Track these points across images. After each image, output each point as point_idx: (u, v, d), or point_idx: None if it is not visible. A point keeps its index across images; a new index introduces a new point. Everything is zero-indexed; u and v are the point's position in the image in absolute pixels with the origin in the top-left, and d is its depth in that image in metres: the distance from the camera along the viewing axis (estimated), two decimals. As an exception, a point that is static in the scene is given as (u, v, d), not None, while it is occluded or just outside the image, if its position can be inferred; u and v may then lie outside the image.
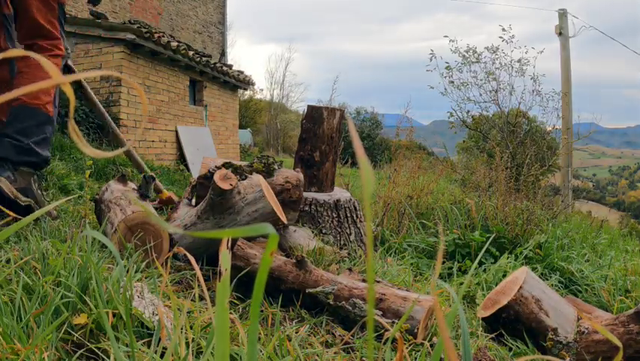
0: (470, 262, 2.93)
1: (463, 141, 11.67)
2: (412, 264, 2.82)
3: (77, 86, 2.74)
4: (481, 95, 8.97)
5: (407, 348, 1.27)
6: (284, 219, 1.79)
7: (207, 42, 12.35)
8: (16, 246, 1.43)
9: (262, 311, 1.32)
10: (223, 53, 12.88)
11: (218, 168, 1.84)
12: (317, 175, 2.54)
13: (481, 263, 2.98)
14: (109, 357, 0.87)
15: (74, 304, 0.97)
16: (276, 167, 2.03)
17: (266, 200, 1.72)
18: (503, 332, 1.63)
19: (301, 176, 2.06)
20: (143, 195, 1.97)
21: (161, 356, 0.86)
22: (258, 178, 1.78)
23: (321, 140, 2.54)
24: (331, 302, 1.41)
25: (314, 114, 2.55)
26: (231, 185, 1.64)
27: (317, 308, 1.44)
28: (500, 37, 8.72)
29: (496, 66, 8.87)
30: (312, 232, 2.18)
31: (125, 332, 0.95)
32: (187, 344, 0.88)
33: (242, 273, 1.42)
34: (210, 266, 1.68)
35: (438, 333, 1.37)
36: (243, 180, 1.79)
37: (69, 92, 0.31)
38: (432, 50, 8.69)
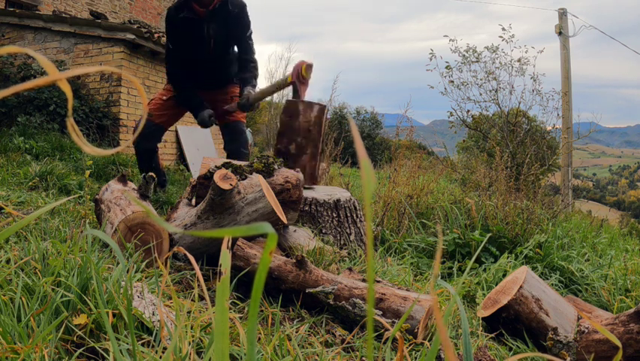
0: (470, 261, 2.92)
1: (463, 141, 11.64)
2: (412, 263, 2.82)
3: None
4: (481, 94, 8.96)
5: (407, 348, 1.27)
6: (284, 219, 1.79)
7: (207, 42, 12.31)
8: (16, 246, 1.43)
9: (262, 311, 1.32)
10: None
11: (218, 168, 1.84)
12: (293, 168, 2.55)
13: (481, 263, 2.97)
14: (109, 356, 0.87)
15: (74, 304, 0.97)
16: (276, 167, 2.03)
17: (266, 200, 1.72)
18: (503, 332, 1.63)
19: (301, 176, 2.05)
20: (143, 195, 1.97)
21: (162, 355, 0.86)
22: (257, 178, 1.78)
23: (297, 133, 2.55)
24: (331, 302, 1.41)
25: (290, 107, 2.56)
26: (231, 185, 1.64)
27: (317, 308, 1.44)
28: (500, 37, 8.71)
29: (496, 65, 8.84)
30: (312, 232, 2.17)
31: (126, 332, 0.95)
32: (187, 343, 0.88)
33: (242, 273, 1.42)
34: (210, 266, 1.67)
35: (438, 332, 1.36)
36: (243, 180, 1.78)
37: (67, 90, 0.31)
38: (432, 50, 8.67)
